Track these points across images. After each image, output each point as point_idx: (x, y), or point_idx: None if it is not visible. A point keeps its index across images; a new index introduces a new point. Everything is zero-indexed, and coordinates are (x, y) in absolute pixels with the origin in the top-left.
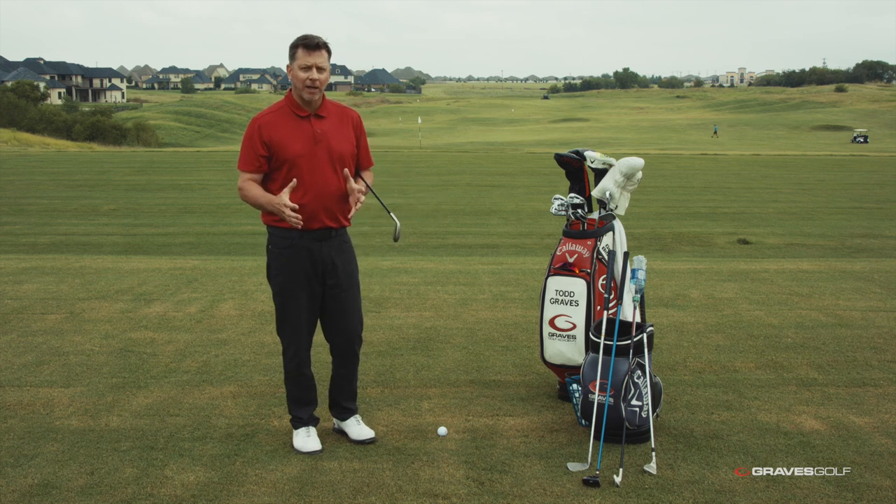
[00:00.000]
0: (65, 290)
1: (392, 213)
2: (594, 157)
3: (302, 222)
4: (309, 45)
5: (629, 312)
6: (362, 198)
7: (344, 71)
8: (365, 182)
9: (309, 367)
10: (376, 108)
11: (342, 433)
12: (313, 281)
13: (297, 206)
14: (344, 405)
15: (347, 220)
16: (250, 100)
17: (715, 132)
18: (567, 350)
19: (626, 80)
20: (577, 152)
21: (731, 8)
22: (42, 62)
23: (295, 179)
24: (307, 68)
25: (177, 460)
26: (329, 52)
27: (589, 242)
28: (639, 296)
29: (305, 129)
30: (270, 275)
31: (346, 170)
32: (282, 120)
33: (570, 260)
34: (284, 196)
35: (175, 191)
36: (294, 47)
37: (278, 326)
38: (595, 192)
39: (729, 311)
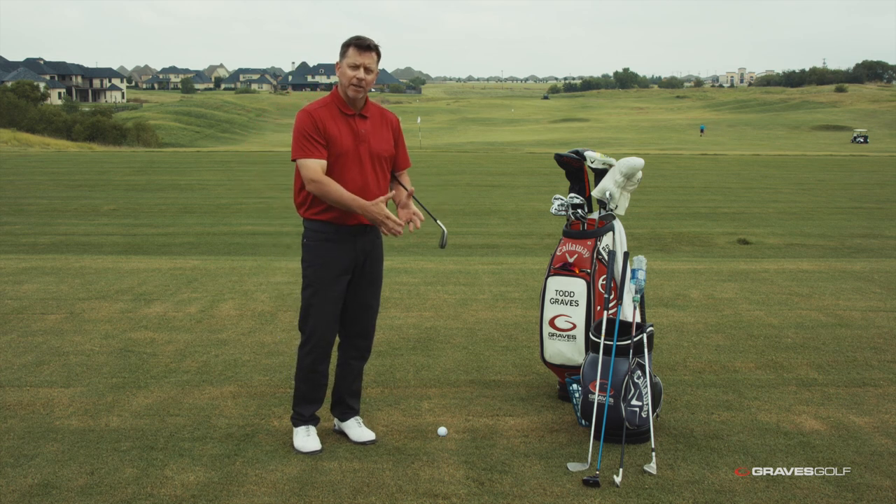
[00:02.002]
0: (65, 290)
1: (438, 221)
2: (594, 158)
3: (401, 230)
4: (360, 45)
5: (629, 312)
6: (418, 222)
7: None
8: (405, 188)
9: (325, 364)
10: None
11: (342, 434)
12: (343, 276)
13: (399, 221)
14: (349, 403)
15: None
16: (250, 100)
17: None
18: (567, 350)
19: (626, 80)
20: (577, 152)
21: (731, 8)
22: (42, 62)
23: (394, 191)
24: (356, 67)
25: (177, 460)
26: (378, 55)
27: (589, 242)
28: (639, 296)
29: (351, 127)
30: (304, 267)
31: (412, 188)
32: (330, 114)
33: (570, 260)
34: (383, 207)
35: (175, 191)
36: (346, 46)
37: (301, 319)
38: (595, 193)
39: (729, 311)
